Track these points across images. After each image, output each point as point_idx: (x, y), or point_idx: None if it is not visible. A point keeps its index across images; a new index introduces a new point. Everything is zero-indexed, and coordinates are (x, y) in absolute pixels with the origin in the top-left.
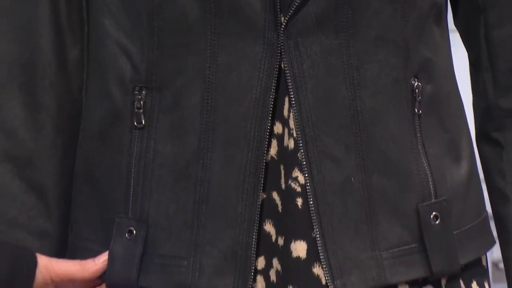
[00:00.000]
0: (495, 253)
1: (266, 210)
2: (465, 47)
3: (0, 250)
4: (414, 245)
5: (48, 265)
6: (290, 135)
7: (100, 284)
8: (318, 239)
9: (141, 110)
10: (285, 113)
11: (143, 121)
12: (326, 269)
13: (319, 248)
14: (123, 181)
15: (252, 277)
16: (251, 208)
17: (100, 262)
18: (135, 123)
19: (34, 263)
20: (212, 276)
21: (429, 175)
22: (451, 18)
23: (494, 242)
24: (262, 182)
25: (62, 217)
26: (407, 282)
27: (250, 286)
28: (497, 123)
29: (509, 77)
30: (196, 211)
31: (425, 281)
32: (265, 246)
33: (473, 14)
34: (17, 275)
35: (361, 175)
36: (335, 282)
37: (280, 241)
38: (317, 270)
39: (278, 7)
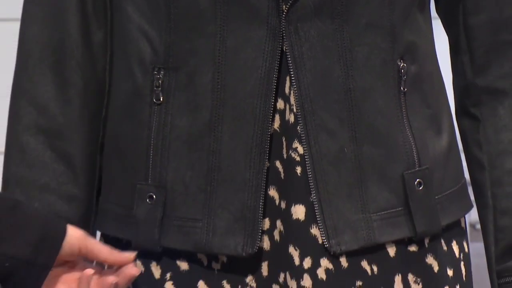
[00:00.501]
0: (472, 216)
1: (271, 177)
2: (446, 32)
3: (33, 216)
4: (400, 208)
5: (81, 237)
6: (291, 110)
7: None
8: (315, 203)
9: (160, 88)
10: (287, 90)
11: (161, 98)
12: (323, 229)
13: (316, 211)
14: (143, 152)
15: (259, 236)
16: (258, 175)
17: (126, 256)
18: (154, 100)
19: (63, 232)
20: (224, 236)
21: (413, 146)
22: (434, 6)
23: (472, 206)
24: (267, 152)
25: (88, 183)
26: (393, 242)
27: (257, 245)
28: (474, 99)
29: (485, 59)
30: (209, 178)
31: (410, 240)
32: (269, 209)
33: (452, 3)
34: (46, 239)
35: (353, 146)
36: (331, 241)
37: (283, 205)
38: (314, 230)
39: None
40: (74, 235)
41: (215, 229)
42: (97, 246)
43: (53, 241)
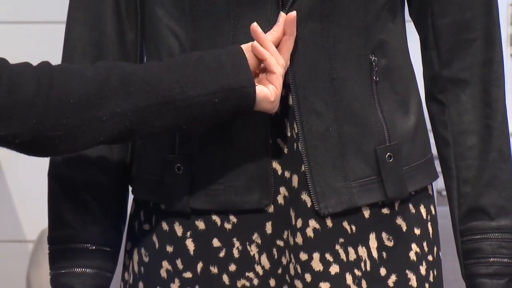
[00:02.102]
0: (439, 184)
1: (274, 152)
2: (417, 31)
3: (216, 57)
4: (374, 177)
5: (250, 52)
6: (292, 97)
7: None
8: (307, 173)
9: None
10: (287, 80)
11: None
12: (313, 195)
13: (308, 180)
14: (170, 138)
15: (273, 192)
16: (265, 149)
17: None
18: None
19: (244, 56)
20: (244, 193)
21: (384, 125)
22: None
23: (437, 176)
24: (269, 130)
25: (121, 154)
26: (368, 205)
27: (272, 198)
28: (440, 87)
29: (449, 54)
30: (226, 149)
31: (382, 204)
32: (273, 178)
33: (422, 7)
34: (237, 67)
35: (336, 125)
36: (320, 205)
37: (287, 174)
38: (304, 196)
39: (281, 0)
40: (247, 52)
41: (235, 189)
42: (262, 53)
43: (244, 66)
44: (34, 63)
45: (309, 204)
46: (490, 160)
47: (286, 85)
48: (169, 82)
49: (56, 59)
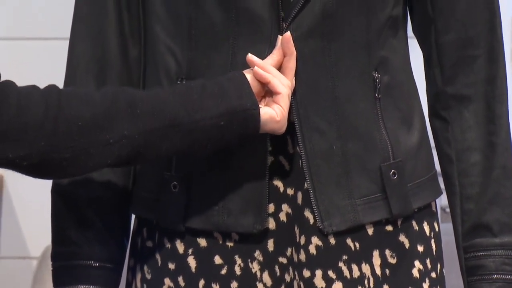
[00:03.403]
0: (443, 200)
1: (275, 169)
2: (420, 48)
3: (219, 84)
4: (378, 194)
5: (252, 77)
6: (293, 114)
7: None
8: (310, 191)
9: None
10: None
11: None
12: (317, 213)
13: (311, 197)
14: None
15: (266, 216)
16: (262, 167)
17: (283, 44)
18: None
19: (246, 80)
20: (238, 216)
21: (388, 142)
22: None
23: (441, 193)
24: (269, 149)
25: (125, 173)
26: (372, 223)
27: (265, 223)
28: (444, 104)
29: (453, 71)
30: (222, 167)
31: (386, 221)
32: (274, 196)
33: (426, 24)
34: (241, 90)
35: (339, 143)
36: (324, 223)
37: (290, 191)
38: (307, 213)
39: (281, 18)
40: (249, 78)
41: (230, 211)
42: (264, 76)
43: (246, 90)
44: (38, 79)
45: (311, 221)
46: (494, 177)
47: None
48: (175, 106)
49: (59, 75)
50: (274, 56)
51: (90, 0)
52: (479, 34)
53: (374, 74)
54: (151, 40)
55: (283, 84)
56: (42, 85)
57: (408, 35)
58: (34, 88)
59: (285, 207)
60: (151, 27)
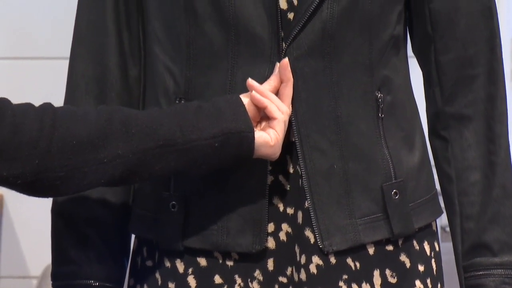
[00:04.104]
0: (443, 220)
1: (275, 188)
2: (420, 68)
3: (216, 105)
4: (380, 214)
5: (248, 101)
6: (293, 133)
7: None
8: (311, 210)
9: None
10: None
11: None
12: (317, 232)
13: (311, 216)
14: None
15: (266, 236)
16: (262, 186)
17: (281, 70)
18: None
19: (242, 104)
20: (236, 236)
21: (390, 162)
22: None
23: (442, 212)
24: (269, 168)
25: (125, 192)
26: (373, 242)
27: (265, 243)
28: (443, 124)
29: (452, 90)
30: (221, 189)
31: (387, 241)
32: (274, 215)
33: (426, 43)
34: (236, 112)
35: (341, 163)
36: (324, 243)
37: (289, 211)
38: (308, 232)
39: (281, 38)
40: (245, 101)
41: (228, 230)
42: (261, 101)
43: (242, 113)
44: (37, 99)
45: (312, 240)
46: (494, 196)
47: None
48: (170, 125)
49: (59, 95)
50: (272, 82)
51: (90, 20)
52: (479, 53)
53: (377, 93)
54: (150, 60)
55: (280, 110)
56: None
57: (408, 54)
58: (29, 106)
59: (284, 227)
60: (150, 47)
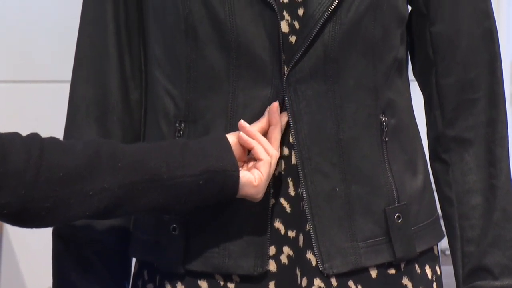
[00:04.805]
0: (443, 243)
1: (276, 211)
2: (421, 91)
3: (202, 144)
4: (382, 238)
5: (236, 141)
6: (296, 156)
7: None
8: (312, 232)
9: (181, 138)
10: (291, 139)
11: None
12: (318, 255)
13: (312, 239)
14: None
15: (267, 259)
16: (264, 209)
17: (271, 114)
18: None
19: (228, 144)
20: (238, 258)
21: (393, 185)
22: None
23: (444, 236)
24: (272, 190)
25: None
26: (375, 265)
27: (266, 266)
28: (444, 147)
29: (453, 113)
30: (223, 211)
31: (389, 264)
32: (275, 238)
33: (427, 67)
34: (222, 152)
35: (343, 186)
36: (324, 265)
37: (291, 234)
38: (309, 255)
39: (283, 61)
40: (232, 141)
41: (230, 253)
42: (248, 142)
43: (228, 152)
44: (39, 122)
45: (313, 263)
46: (494, 219)
47: (289, 145)
48: (157, 161)
49: (60, 118)
50: (262, 123)
51: (91, 44)
52: (480, 76)
53: (381, 117)
54: (151, 83)
55: (268, 151)
56: (43, 129)
57: (409, 77)
58: (16, 135)
59: (286, 249)
60: (151, 70)
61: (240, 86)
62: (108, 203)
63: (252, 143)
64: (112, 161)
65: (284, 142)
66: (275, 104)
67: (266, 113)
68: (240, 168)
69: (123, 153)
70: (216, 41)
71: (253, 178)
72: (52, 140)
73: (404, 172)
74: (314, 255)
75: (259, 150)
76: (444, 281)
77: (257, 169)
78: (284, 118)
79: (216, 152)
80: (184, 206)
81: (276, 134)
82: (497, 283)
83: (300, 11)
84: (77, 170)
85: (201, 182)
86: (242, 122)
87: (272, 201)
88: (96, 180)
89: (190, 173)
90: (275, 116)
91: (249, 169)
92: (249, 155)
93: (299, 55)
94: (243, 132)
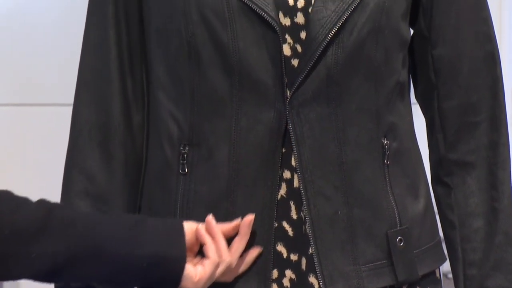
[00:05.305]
0: (445, 266)
1: (278, 235)
2: (423, 114)
3: (156, 226)
4: (384, 261)
5: (193, 232)
6: (298, 179)
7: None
8: (314, 256)
9: (185, 161)
10: (293, 163)
11: (186, 169)
12: (320, 278)
13: (315, 262)
14: (171, 213)
15: (270, 283)
16: (268, 233)
17: (242, 223)
18: (180, 171)
19: (182, 230)
20: (241, 282)
21: (395, 209)
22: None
23: (446, 259)
24: (275, 214)
25: None
26: None
27: None
28: (446, 170)
29: (455, 136)
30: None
31: (391, 287)
32: (278, 262)
33: (429, 90)
34: (171, 237)
35: (345, 209)
36: None
37: (293, 257)
38: (312, 279)
39: (285, 84)
40: (189, 230)
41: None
42: (203, 237)
43: (179, 240)
44: (41, 145)
45: (316, 286)
46: (496, 242)
47: (291, 168)
48: (105, 234)
49: (62, 141)
50: (228, 226)
51: (94, 67)
52: (482, 100)
53: (383, 140)
54: (154, 106)
55: (220, 253)
56: (45, 152)
57: (411, 101)
58: None
59: (288, 273)
60: (154, 93)
61: (243, 109)
62: (49, 269)
63: (206, 239)
64: (61, 226)
65: (286, 165)
66: (250, 218)
67: (239, 220)
68: (188, 258)
69: (73, 220)
70: (219, 64)
71: (194, 273)
72: (5, 194)
73: (406, 195)
74: (317, 278)
75: (210, 248)
76: None
77: (202, 265)
78: (255, 250)
79: (168, 237)
80: (124, 285)
81: (239, 245)
82: None
83: (303, 34)
84: (24, 230)
85: (144, 264)
86: (209, 218)
87: (275, 224)
88: (42, 242)
89: (136, 253)
90: (244, 229)
91: (196, 262)
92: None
93: (301, 78)
94: (206, 226)
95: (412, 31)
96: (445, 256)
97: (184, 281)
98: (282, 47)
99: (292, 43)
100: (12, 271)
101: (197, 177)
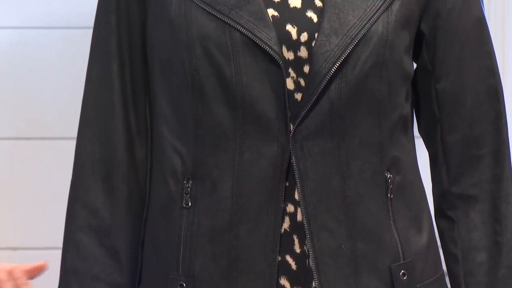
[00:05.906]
0: None
1: (282, 268)
2: (426, 148)
3: None
4: None
5: None
6: (302, 213)
7: None
8: None
9: (188, 195)
10: (296, 196)
11: (189, 203)
12: None
13: None
14: (175, 247)
15: None
16: (271, 267)
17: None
18: (184, 204)
19: None
20: None
21: (398, 242)
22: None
23: None
24: (278, 248)
25: (131, 273)
26: None
27: None
28: (450, 204)
29: (458, 170)
30: (230, 269)
31: None
32: None
33: (432, 124)
34: None
35: (349, 243)
36: None
37: None
38: None
39: (289, 118)
40: None
41: None
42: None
43: None
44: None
45: None
46: (500, 276)
47: (295, 202)
48: None
49: (66, 175)
50: (18, 269)
51: (97, 102)
52: (485, 134)
53: (386, 174)
54: (157, 140)
55: None
56: (49, 186)
57: (414, 134)
58: None
59: None
60: (157, 127)
61: (247, 143)
62: None
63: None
64: None
65: (290, 199)
66: (43, 265)
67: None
68: None
69: None
70: (222, 98)
71: None
72: None
73: (409, 229)
74: None
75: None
76: None
77: None
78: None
79: None
80: None
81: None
82: None
83: (306, 68)
84: None
85: None
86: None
87: (278, 258)
88: None
89: None
90: (33, 271)
91: None
92: None
93: (305, 112)
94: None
95: (415, 65)
96: None
97: None
98: (286, 81)
99: (295, 77)
100: None
101: (200, 210)
